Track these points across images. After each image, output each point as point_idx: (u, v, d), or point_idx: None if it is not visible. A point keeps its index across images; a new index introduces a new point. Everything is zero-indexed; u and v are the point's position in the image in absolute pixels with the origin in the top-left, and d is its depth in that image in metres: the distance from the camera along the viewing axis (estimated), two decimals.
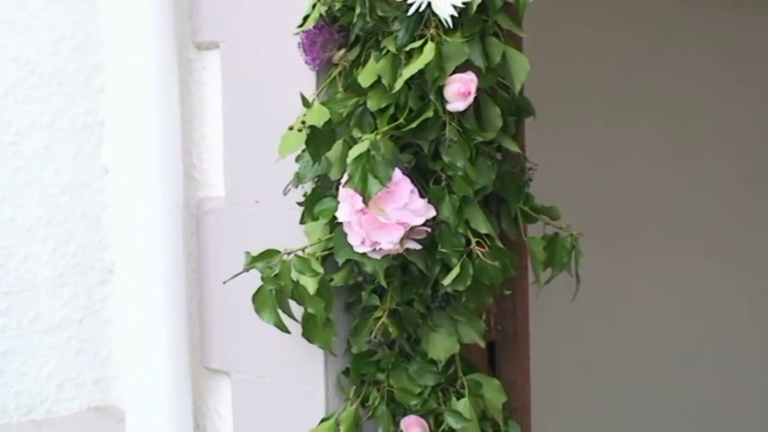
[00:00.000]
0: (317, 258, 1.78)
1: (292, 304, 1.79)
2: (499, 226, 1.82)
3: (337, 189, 1.74)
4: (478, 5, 1.68)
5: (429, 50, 1.67)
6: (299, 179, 1.82)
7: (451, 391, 1.83)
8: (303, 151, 1.78)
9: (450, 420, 1.81)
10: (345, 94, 1.76)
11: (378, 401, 1.84)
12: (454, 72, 1.69)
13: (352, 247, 1.72)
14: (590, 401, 3.74)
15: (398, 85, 1.69)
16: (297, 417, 1.90)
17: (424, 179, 1.75)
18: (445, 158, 1.73)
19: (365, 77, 1.73)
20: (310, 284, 1.76)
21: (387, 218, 1.69)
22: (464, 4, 1.67)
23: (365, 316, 1.83)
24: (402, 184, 1.69)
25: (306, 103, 1.77)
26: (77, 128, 2.24)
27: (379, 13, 1.72)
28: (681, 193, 3.90)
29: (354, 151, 1.69)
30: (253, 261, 1.80)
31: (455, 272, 1.73)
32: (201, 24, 2.08)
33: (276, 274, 1.78)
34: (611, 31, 3.74)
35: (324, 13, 1.77)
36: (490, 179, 1.76)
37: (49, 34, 2.21)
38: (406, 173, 1.71)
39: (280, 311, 1.79)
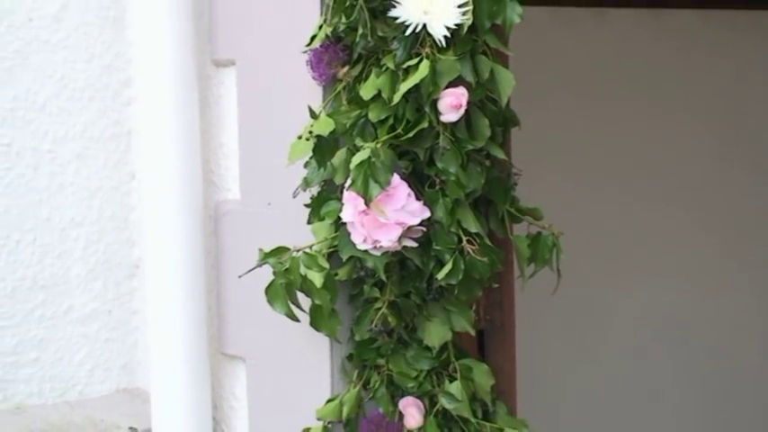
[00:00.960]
0: (324, 255, 1.78)
1: (301, 296, 1.79)
2: (488, 225, 1.82)
3: (341, 192, 1.74)
4: (469, 26, 1.68)
5: (424, 67, 1.67)
6: (306, 183, 1.82)
7: (445, 374, 1.83)
8: (310, 158, 1.78)
9: (444, 401, 1.81)
10: (349, 107, 1.76)
11: (378, 384, 1.84)
12: (447, 87, 1.68)
13: (354, 244, 1.72)
14: (570, 384, 3.73)
15: (397, 98, 1.69)
16: (305, 398, 1.90)
17: (420, 183, 1.75)
18: (439, 165, 1.73)
19: (367, 91, 1.73)
20: (317, 278, 1.76)
21: (386, 218, 1.69)
22: (456, 25, 1.67)
23: (367, 307, 1.82)
24: (400, 188, 1.69)
25: (313, 115, 1.78)
26: (107, 138, 2.24)
27: (380, 34, 1.72)
28: (652, 197, 3.89)
29: (357, 158, 1.69)
30: (265, 257, 1.80)
31: (448, 267, 1.73)
32: (219, 44, 2.08)
33: (286, 269, 1.78)
34: (592, 47, 3.73)
35: (329, 34, 1.77)
36: (480, 183, 1.76)
37: (82, 54, 2.21)
38: (403, 178, 1.71)
39: (290, 303, 1.79)
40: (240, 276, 1.89)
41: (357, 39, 1.74)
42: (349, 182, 1.70)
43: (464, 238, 1.74)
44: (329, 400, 1.86)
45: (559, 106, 3.61)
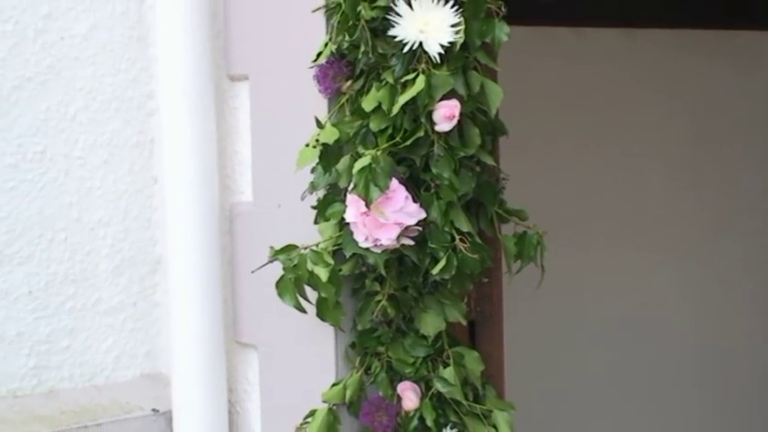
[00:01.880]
0: (329, 252, 1.78)
1: (308, 290, 1.79)
2: (478, 225, 1.82)
3: (345, 195, 1.74)
4: (461, 44, 1.68)
5: (420, 81, 1.67)
6: (313, 187, 1.81)
7: (439, 361, 1.82)
8: (317, 164, 1.78)
9: (438, 385, 1.80)
10: (352, 117, 1.76)
11: (378, 370, 1.84)
12: (441, 99, 1.68)
13: (357, 243, 1.72)
14: (552, 369, 3.74)
15: (395, 109, 1.69)
16: (311, 382, 1.89)
17: (417, 187, 1.74)
18: (434, 170, 1.73)
19: (368, 103, 1.73)
20: (323, 273, 1.76)
21: (386, 219, 1.69)
22: (450, 43, 1.67)
23: (368, 299, 1.82)
24: (398, 191, 1.69)
25: (319, 125, 1.77)
26: (131, 145, 2.24)
27: (380, 51, 1.72)
28: (622, 198, 3.91)
29: (359, 164, 1.69)
30: (276, 254, 1.79)
31: (442, 263, 1.73)
32: (233, 60, 2.08)
33: (295, 265, 1.77)
34: (571, 64, 3.74)
35: (334, 51, 1.77)
36: (471, 187, 1.76)
37: (109, 69, 2.20)
38: (401, 182, 1.70)
39: (298, 296, 1.78)
40: (253, 271, 1.88)
41: (359, 55, 1.74)
42: (352, 186, 1.70)
43: (457, 237, 1.74)
44: (334, 384, 1.86)
45: (543, 117, 3.62)
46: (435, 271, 1.73)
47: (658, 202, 3.97)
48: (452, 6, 1.68)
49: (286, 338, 1.97)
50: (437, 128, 1.70)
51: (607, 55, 3.83)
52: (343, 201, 1.75)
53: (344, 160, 1.76)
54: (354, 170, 1.69)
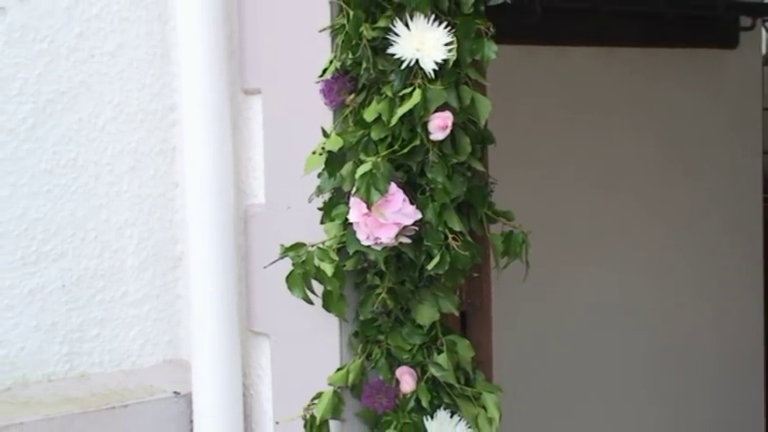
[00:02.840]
0: (334, 249, 1.77)
1: (315, 284, 1.79)
2: (469, 225, 1.81)
3: (348, 198, 1.74)
4: (453, 61, 1.68)
5: (417, 95, 1.67)
6: (319, 190, 1.81)
7: (434, 348, 1.82)
8: (323, 170, 1.78)
9: (433, 370, 1.80)
10: (355, 128, 1.76)
11: (379, 356, 1.84)
12: (436, 111, 1.68)
13: (359, 241, 1.72)
14: (536, 354, 3.74)
15: (394, 120, 1.69)
16: (318, 367, 1.89)
17: (414, 191, 1.74)
18: (429, 175, 1.72)
19: (369, 115, 1.73)
20: (329, 269, 1.76)
21: (385, 219, 1.68)
22: (443, 60, 1.67)
23: (369, 292, 1.82)
24: (397, 194, 1.69)
25: (325, 134, 1.78)
26: (155, 153, 2.24)
27: (380, 67, 1.72)
28: (599, 200, 3.91)
29: (361, 170, 1.68)
30: (286, 251, 1.79)
31: (436, 259, 1.73)
32: (247, 76, 2.08)
33: (303, 261, 1.77)
34: (553, 78, 3.73)
35: (338, 67, 1.77)
36: (462, 191, 1.76)
37: (135, 84, 2.20)
38: (399, 186, 1.70)
39: (306, 289, 1.78)
40: (265, 267, 1.88)
41: (361, 71, 1.74)
42: (354, 189, 1.70)
43: (450, 236, 1.73)
44: (338, 369, 1.86)
45: (528, 127, 3.62)
46: (430, 266, 1.73)
47: (630, 204, 3.98)
48: (446, 27, 1.68)
49: (295, 328, 1.97)
50: (432, 137, 1.70)
51: (587, 70, 3.84)
52: (347, 203, 1.74)
53: (348, 166, 1.76)
54: (357, 175, 1.69)
